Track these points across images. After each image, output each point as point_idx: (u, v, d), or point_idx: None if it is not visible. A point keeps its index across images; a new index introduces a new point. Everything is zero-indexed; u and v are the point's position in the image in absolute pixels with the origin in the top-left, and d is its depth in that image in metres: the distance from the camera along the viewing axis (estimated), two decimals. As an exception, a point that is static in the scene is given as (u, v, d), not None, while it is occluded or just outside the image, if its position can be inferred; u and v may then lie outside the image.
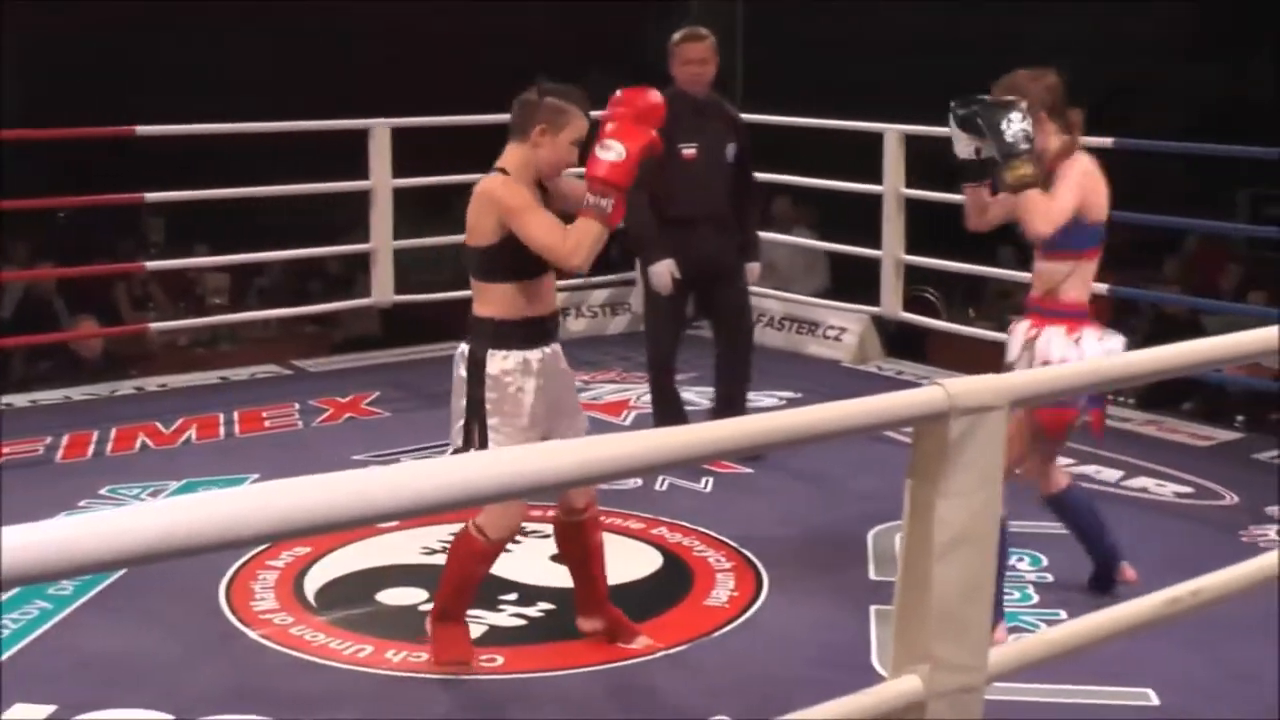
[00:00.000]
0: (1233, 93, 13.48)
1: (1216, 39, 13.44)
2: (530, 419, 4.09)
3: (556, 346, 4.27)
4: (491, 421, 4.08)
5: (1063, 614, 4.59)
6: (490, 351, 4.10)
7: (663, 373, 6.29)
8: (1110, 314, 11.08)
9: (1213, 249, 11.29)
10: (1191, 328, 8.99)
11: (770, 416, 1.91)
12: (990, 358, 5.79)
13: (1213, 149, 8.49)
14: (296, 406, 7.08)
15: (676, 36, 6.06)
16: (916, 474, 2.04)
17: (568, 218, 4.07)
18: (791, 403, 7.11)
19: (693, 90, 6.02)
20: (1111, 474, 6.21)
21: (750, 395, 7.20)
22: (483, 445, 4.03)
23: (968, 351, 7.76)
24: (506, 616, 4.68)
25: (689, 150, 5.97)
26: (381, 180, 7.87)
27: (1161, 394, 8.81)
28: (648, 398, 7.21)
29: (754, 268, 6.25)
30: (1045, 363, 4.11)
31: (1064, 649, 2.39)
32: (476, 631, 4.53)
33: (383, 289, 8.06)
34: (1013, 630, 4.42)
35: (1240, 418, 8.25)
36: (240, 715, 3.95)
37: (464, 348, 4.16)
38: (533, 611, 4.72)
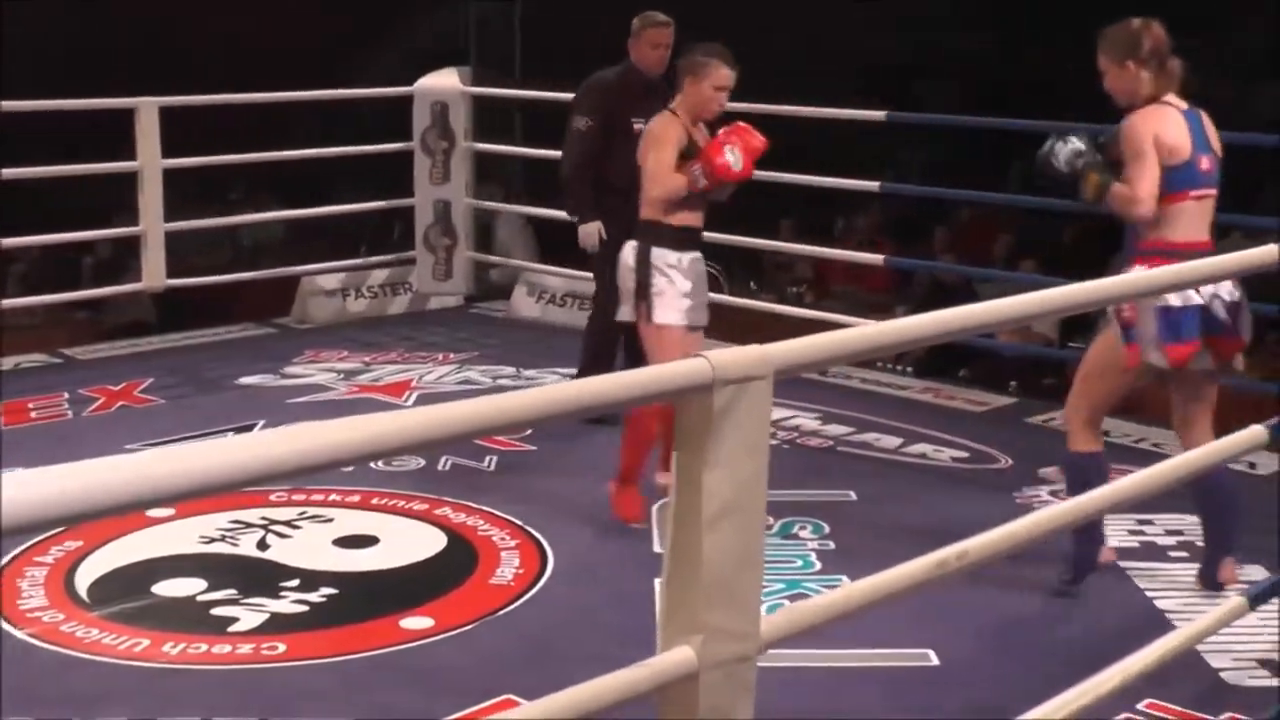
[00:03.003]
0: (1006, 66, 13.78)
1: (991, 11, 13.72)
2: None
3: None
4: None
5: (844, 579, 4.66)
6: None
7: (605, 329, 6.38)
8: (887, 283, 11.35)
9: (984, 219, 11.55)
10: (966, 295, 9.19)
11: (535, 392, 1.89)
12: (773, 329, 5.86)
13: (985, 122, 8.68)
14: (65, 396, 6.86)
15: (640, 21, 6.35)
16: (683, 445, 2.04)
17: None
18: (573, 379, 7.10)
19: (650, 71, 6.30)
20: (891, 441, 6.33)
21: (532, 373, 7.19)
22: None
23: (749, 323, 7.84)
24: (289, 603, 4.60)
25: (640, 125, 5.93)
26: (150, 161, 7.66)
27: (938, 361, 9.02)
28: (429, 377, 7.18)
29: None
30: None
31: (836, 614, 2.42)
32: (257, 620, 4.45)
33: (154, 273, 7.85)
34: (796, 598, 4.48)
35: (1014, 383, 8.47)
36: (7, 718, 3.81)
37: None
38: (315, 597, 4.65)
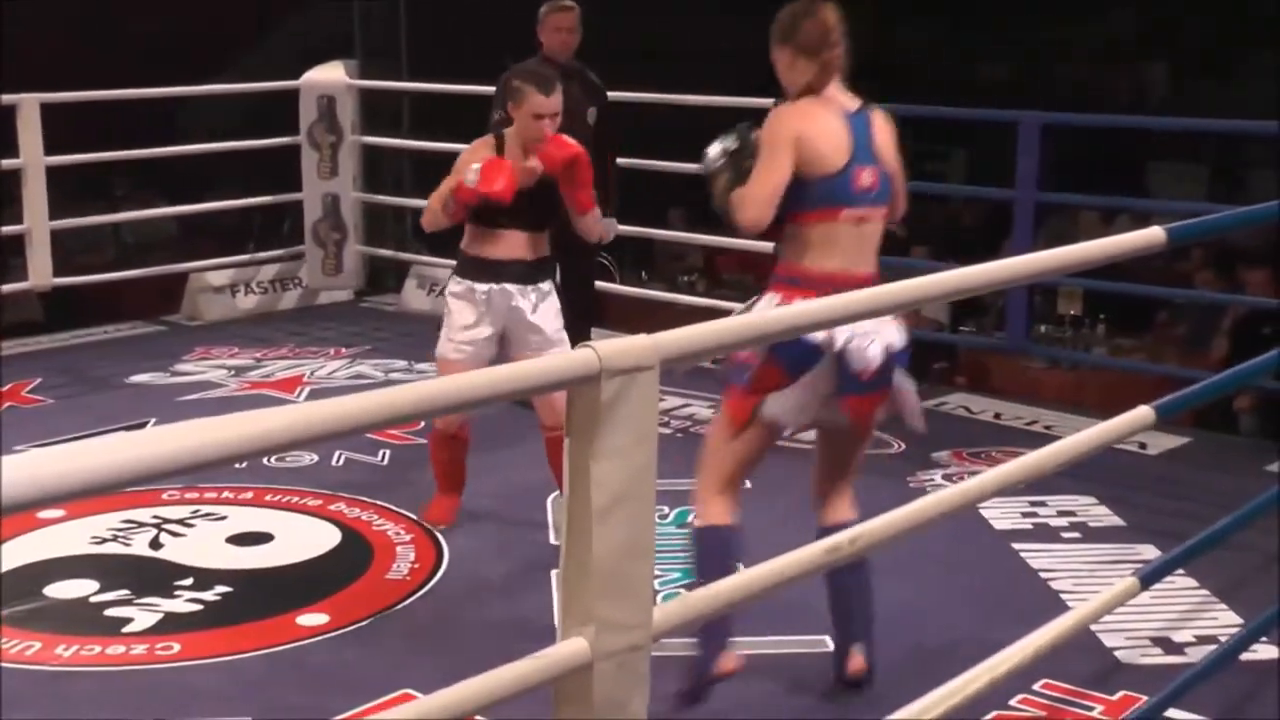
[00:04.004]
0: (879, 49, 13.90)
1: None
2: None
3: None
4: None
5: (739, 566, 4.69)
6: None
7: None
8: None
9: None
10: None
11: (420, 385, 1.90)
12: (664, 318, 5.88)
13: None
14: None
15: (545, 7, 6.39)
16: (573, 436, 2.05)
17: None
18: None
19: (558, 56, 6.32)
20: (783, 427, 6.37)
21: (424, 366, 7.17)
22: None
23: (642, 313, 7.88)
24: (183, 603, 4.57)
25: None
26: (33, 158, 7.55)
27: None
28: (321, 372, 7.15)
29: (610, 223, 6.36)
30: None
31: (729, 601, 2.44)
32: (151, 620, 4.41)
33: (41, 271, 7.75)
34: (691, 588, 4.50)
35: (905, 367, 8.54)
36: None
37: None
38: (209, 596, 4.62)
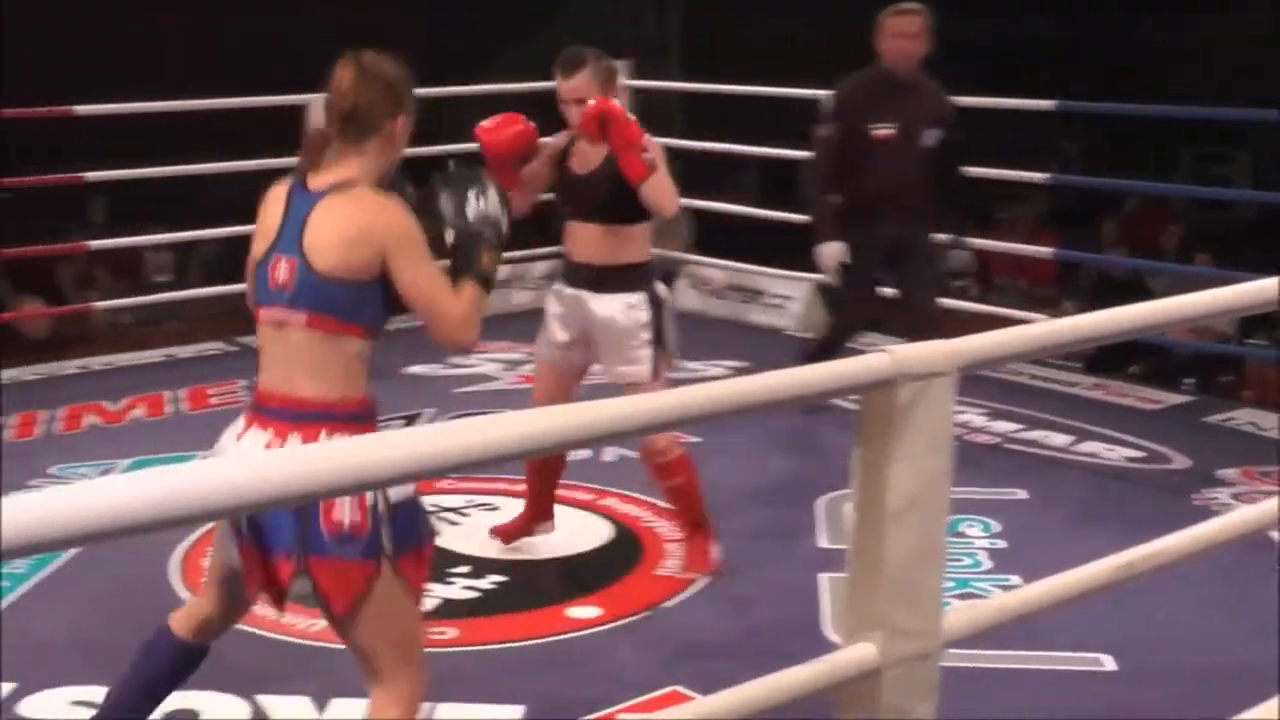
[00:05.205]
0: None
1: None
2: None
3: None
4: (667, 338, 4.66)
5: (1014, 579, 4.62)
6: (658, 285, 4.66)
7: (829, 346, 6.13)
8: (1051, 276, 11.17)
9: (1152, 210, 11.33)
10: (1137, 290, 9.03)
11: (718, 385, 1.90)
12: (943, 324, 5.81)
13: (1157, 110, 8.53)
14: (242, 383, 7.01)
15: (885, 11, 5.81)
16: (865, 441, 2.04)
17: None
18: (738, 372, 7.11)
19: (897, 67, 5.78)
20: (1061, 439, 6.25)
21: (695, 365, 7.21)
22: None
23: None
24: (459, 589, 4.66)
25: (883, 131, 5.75)
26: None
27: (1108, 357, 8.86)
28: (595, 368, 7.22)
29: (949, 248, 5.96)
30: None
31: (1017, 614, 2.40)
32: (428, 605, 4.51)
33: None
34: (966, 597, 4.44)
35: (1189, 380, 8.30)
36: (195, 691, 3.91)
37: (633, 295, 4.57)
38: (485, 584, 4.71)
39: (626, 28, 9.70)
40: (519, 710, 3.91)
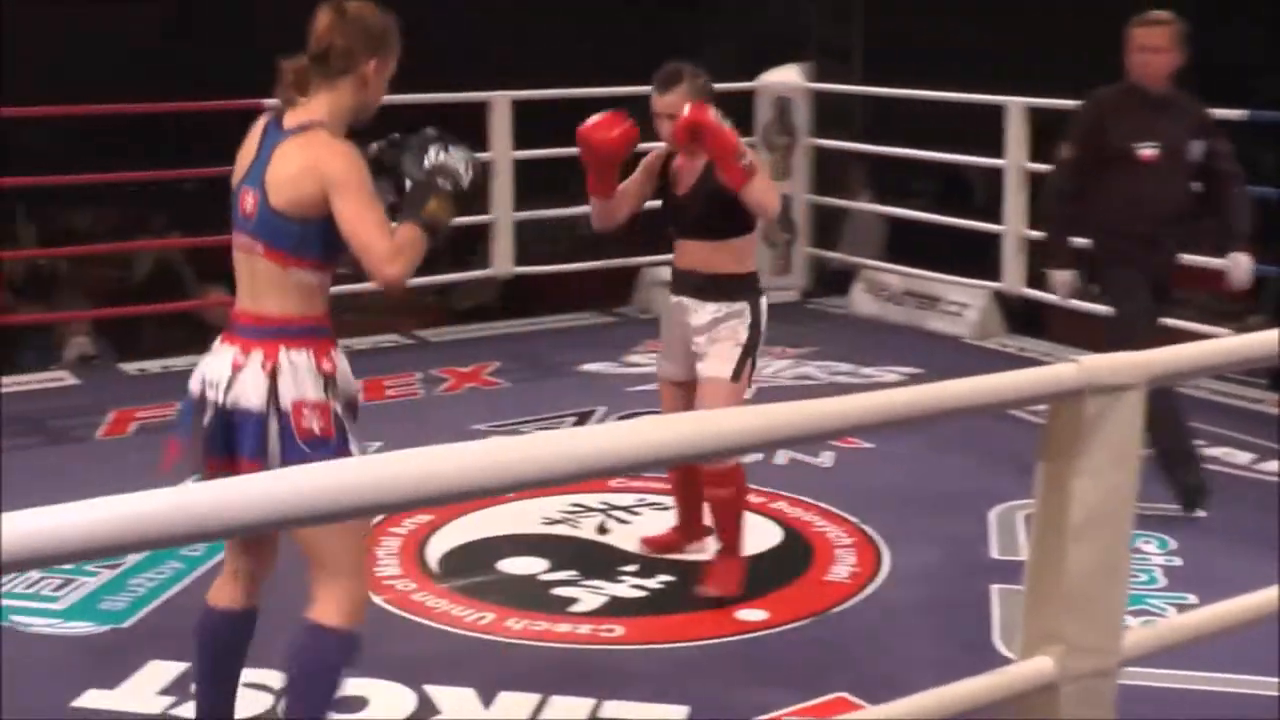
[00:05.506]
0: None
1: None
2: None
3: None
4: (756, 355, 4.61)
5: (1191, 598, 4.52)
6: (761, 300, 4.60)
7: (1170, 444, 5.43)
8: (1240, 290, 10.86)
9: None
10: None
11: (904, 391, 1.89)
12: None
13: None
14: (418, 376, 7.14)
15: (1131, 22, 5.38)
16: (1051, 452, 2.01)
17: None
18: (913, 378, 7.05)
19: (1145, 82, 5.33)
20: (1243, 457, 6.10)
21: (870, 370, 7.16)
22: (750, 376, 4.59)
23: (1090, 329, 7.64)
24: (627, 588, 4.69)
25: (1147, 151, 5.32)
26: (502, 152, 7.90)
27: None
28: (767, 371, 7.21)
29: (1241, 260, 5.41)
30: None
31: (1198, 634, 2.35)
32: (596, 602, 4.55)
33: (503, 260, 8.11)
34: (1141, 614, 4.35)
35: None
36: (364, 679, 3.98)
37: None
38: (653, 583, 4.73)
39: (807, 30, 9.68)
40: (683, 711, 3.91)
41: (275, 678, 3.73)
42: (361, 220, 3.11)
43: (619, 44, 12.19)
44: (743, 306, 4.53)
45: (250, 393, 3.13)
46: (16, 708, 3.84)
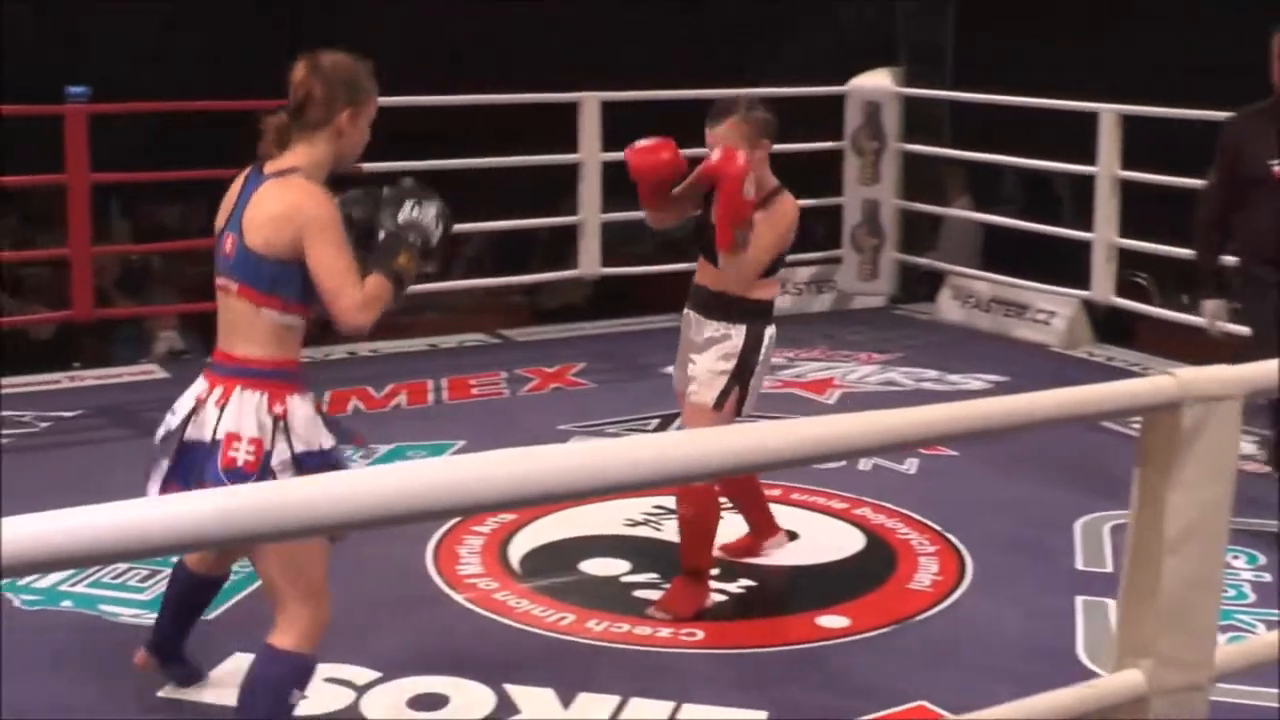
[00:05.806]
0: None
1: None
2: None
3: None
4: (751, 383, 4.49)
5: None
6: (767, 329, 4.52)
7: None
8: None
9: None
10: None
11: (995, 401, 1.87)
12: (1203, 345, 5.63)
13: None
14: (503, 375, 7.16)
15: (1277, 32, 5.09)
16: (1146, 464, 1.98)
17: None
18: (999, 386, 7.00)
19: None
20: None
21: (956, 378, 7.10)
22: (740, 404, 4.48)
23: (1179, 339, 7.55)
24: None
25: None
26: (591, 153, 7.91)
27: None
28: (852, 376, 7.19)
29: None
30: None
31: (1291, 650, 2.31)
32: (676, 605, 4.54)
33: (590, 260, 8.13)
34: (1228, 629, 4.30)
35: None
36: (445, 677, 4.00)
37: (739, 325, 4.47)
38: (733, 588, 4.72)
39: (899, 35, 9.65)
40: (761, 715, 3.91)
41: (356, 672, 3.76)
42: (334, 267, 3.23)
43: (703, 43, 12.19)
44: (739, 330, 4.46)
45: (205, 427, 3.31)
46: (105, 697, 3.89)
